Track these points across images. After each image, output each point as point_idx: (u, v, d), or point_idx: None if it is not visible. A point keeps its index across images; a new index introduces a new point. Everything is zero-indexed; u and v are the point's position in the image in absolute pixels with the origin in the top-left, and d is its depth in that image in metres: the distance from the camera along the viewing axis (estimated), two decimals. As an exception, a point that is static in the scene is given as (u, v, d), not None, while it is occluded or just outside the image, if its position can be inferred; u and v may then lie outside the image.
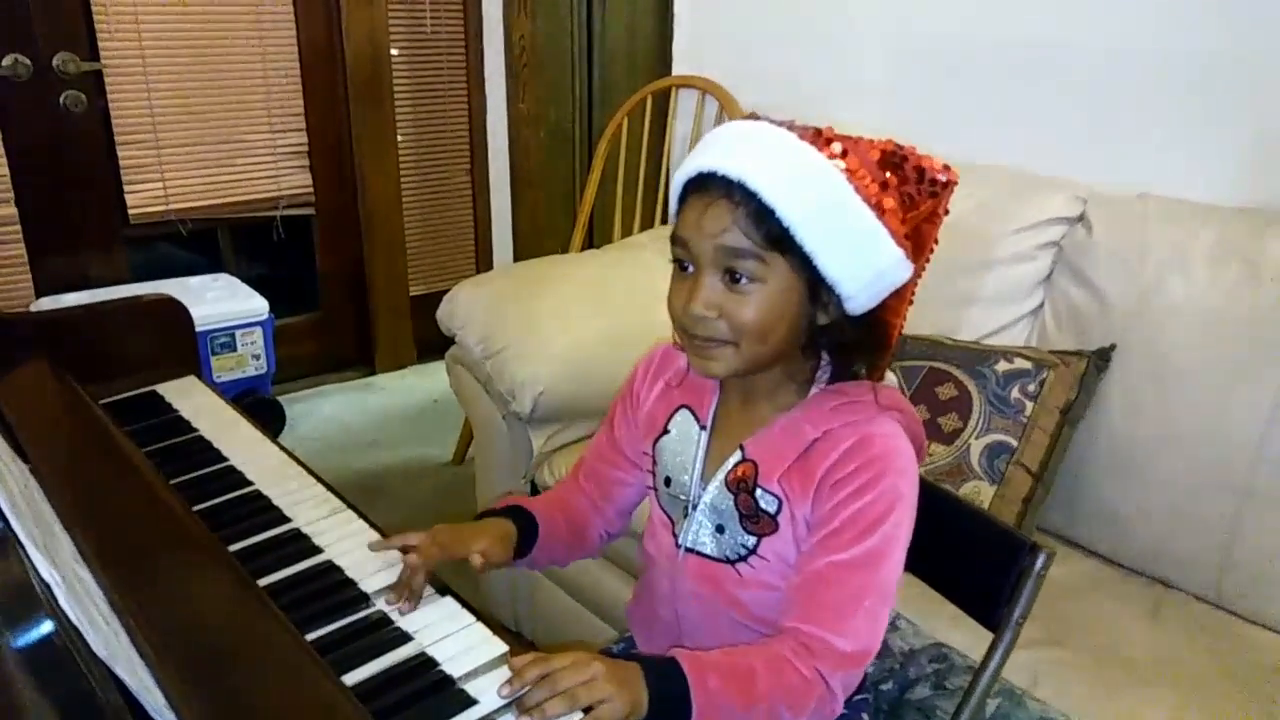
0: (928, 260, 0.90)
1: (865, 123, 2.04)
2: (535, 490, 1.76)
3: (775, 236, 0.81)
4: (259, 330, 2.56)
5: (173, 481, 1.03)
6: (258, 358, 2.58)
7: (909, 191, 0.85)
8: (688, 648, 0.88)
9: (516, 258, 3.15)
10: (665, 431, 1.00)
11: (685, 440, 0.98)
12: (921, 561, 1.06)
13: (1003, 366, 1.50)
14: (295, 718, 0.64)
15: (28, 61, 2.41)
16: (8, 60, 2.38)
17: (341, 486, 2.47)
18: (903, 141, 0.88)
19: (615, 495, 1.07)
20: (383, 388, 3.02)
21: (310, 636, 0.81)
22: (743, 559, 0.92)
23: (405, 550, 0.91)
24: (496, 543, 0.96)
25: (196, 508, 0.99)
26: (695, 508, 0.95)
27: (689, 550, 0.96)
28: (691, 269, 0.85)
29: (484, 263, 3.24)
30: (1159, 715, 1.15)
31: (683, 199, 0.86)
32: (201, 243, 2.85)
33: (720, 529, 0.94)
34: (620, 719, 0.76)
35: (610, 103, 3.05)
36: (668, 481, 0.99)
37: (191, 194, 2.72)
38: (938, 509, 1.05)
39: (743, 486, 0.91)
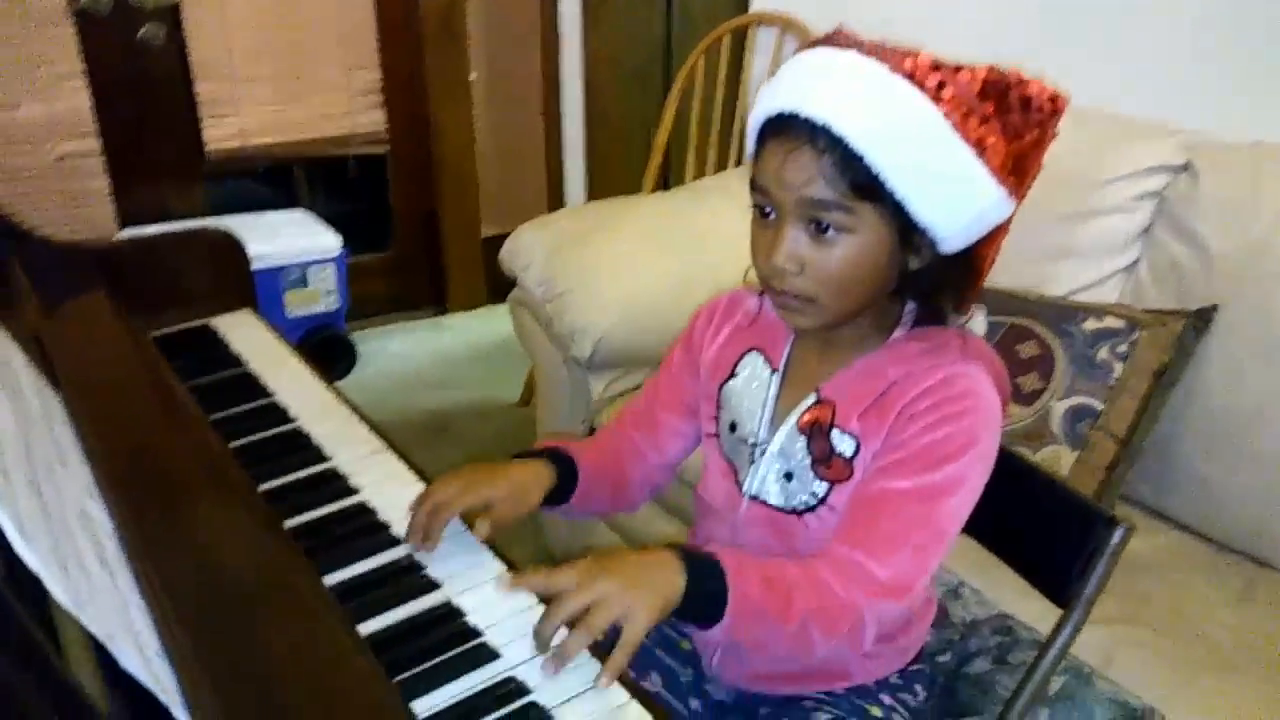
0: (1028, 188, 0.82)
1: (962, 58, 1.90)
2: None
3: (863, 185, 0.75)
4: (331, 267, 2.57)
5: (213, 416, 1.02)
6: (330, 294, 2.59)
7: (1013, 122, 0.77)
8: None
9: (590, 200, 3.09)
10: (733, 375, 0.94)
11: (754, 383, 0.92)
12: (988, 529, 0.99)
13: (1091, 325, 1.40)
14: (302, 665, 0.61)
15: (108, -6, 2.42)
16: (90, -7, 2.40)
17: (408, 424, 2.49)
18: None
19: (666, 446, 1.02)
20: (454, 328, 3.02)
21: (334, 580, 0.78)
22: (811, 509, 0.88)
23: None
24: (519, 488, 0.89)
25: (233, 444, 0.98)
26: (762, 454, 0.90)
27: (753, 499, 0.91)
28: (773, 215, 0.79)
29: (556, 204, 3.19)
30: (1242, 703, 1.07)
31: (761, 140, 0.80)
32: (278, 179, 2.86)
33: (789, 476, 0.89)
34: (648, 628, 0.71)
35: (690, 43, 2.95)
36: (733, 427, 0.94)
37: (267, 130, 2.73)
38: (1009, 473, 0.97)
39: (817, 430, 0.86)
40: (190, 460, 0.84)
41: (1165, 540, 1.37)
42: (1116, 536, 0.88)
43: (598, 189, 3.11)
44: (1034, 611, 1.14)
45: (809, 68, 0.77)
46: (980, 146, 0.75)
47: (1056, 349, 1.40)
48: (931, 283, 0.83)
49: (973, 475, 0.82)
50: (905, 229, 0.78)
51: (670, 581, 0.73)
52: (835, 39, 0.79)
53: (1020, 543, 0.98)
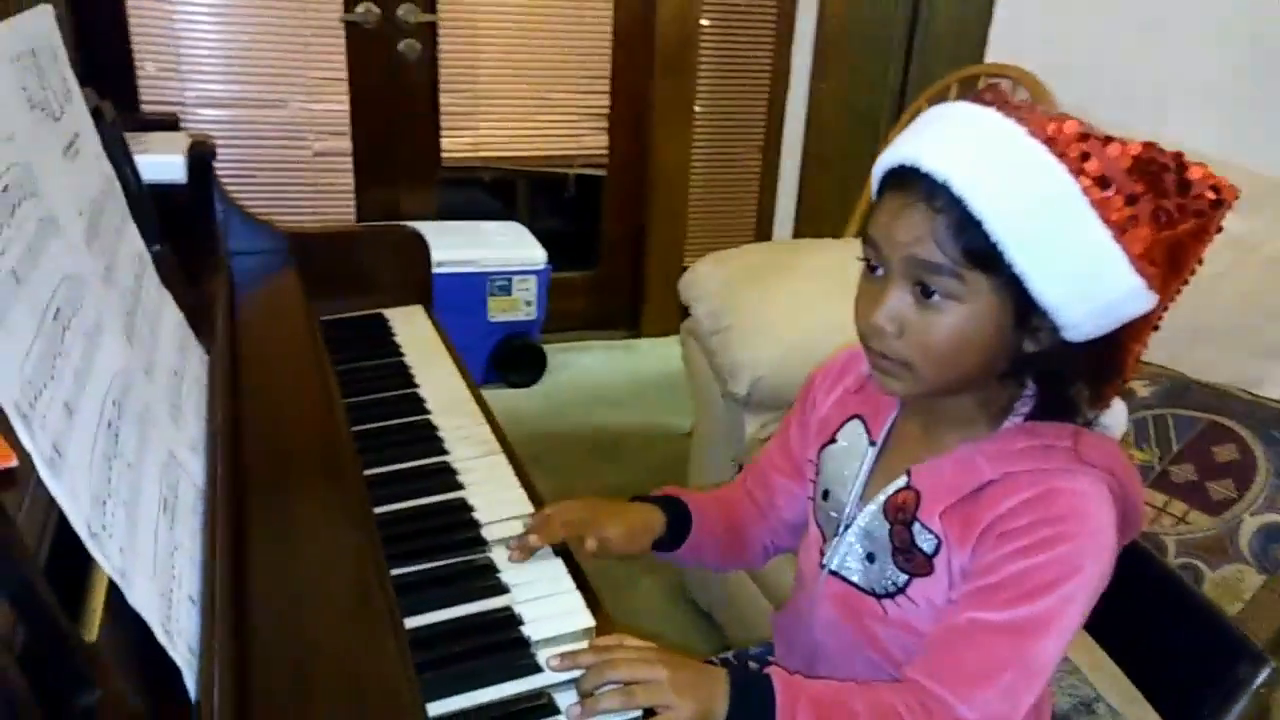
0: (1185, 283, 0.74)
1: (1201, 132, 1.74)
2: (742, 477, 1.71)
3: (979, 253, 0.69)
4: (534, 279, 2.69)
5: (351, 399, 1.09)
6: (529, 304, 2.71)
7: (1166, 208, 0.70)
8: (819, 675, 0.80)
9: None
10: (833, 440, 0.91)
11: (851, 454, 0.88)
12: (1120, 641, 0.90)
13: (1308, 435, 1.23)
14: (327, 643, 0.64)
15: (377, 10, 2.66)
16: (361, 8, 2.65)
17: (580, 438, 2.56)
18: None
19: (780, 505, 1.00)
20: (643, 351, 3.07)
21: (404, 570, 0.81)
22: (889, 595, 0.82)
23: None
24: (633, 529, 0.92)
25: (361, 427, 1.04)
26: (847, 528, 0.86)
27: (833, 573, 0.87)
28: (881, 272, 0.75)
29: (762, 241, 3.18)
30: None
31: (881, 190, 0.76)
32: (501, 190, 3.04)
33: (871, 558, 0.84)
34: None
35: (925, 91, 2.87)
36: (826, 495, 0.90)
37: (498, 144, 2.90)
38: (1152, 583, 0.88)
39: (900, 517, 0.81)
40: (307, 435, 0.91)
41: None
42: (1261, 676, 0.76)
43: (805, 229, 3.07)
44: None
45: (939, 120, 0.73)
46: (1120, 229, 0.68)
47: (1259, 457, 1.24)
48: (1052, 370, 0.75)
49: (1073, 607, 0.73)
50: (1023, 307, 0.71)
51: (710, 700, 0.72)
52: (982, 95, 0.74)
53: (1152, 662, 0.88)
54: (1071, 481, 0.74)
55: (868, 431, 0.87)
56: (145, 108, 2.56)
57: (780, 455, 0.99)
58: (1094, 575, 0.74)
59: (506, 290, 2.68)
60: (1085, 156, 0.68)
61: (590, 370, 2.93)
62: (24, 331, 0.48)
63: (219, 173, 1.35)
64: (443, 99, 2.81)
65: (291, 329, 1.15)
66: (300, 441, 0.89)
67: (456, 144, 2.87)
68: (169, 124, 2.12)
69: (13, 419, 0.43)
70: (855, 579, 0.85)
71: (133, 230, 0.82)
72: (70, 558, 0.49)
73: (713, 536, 0.98)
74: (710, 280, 1.75)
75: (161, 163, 1.11)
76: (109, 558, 0.48)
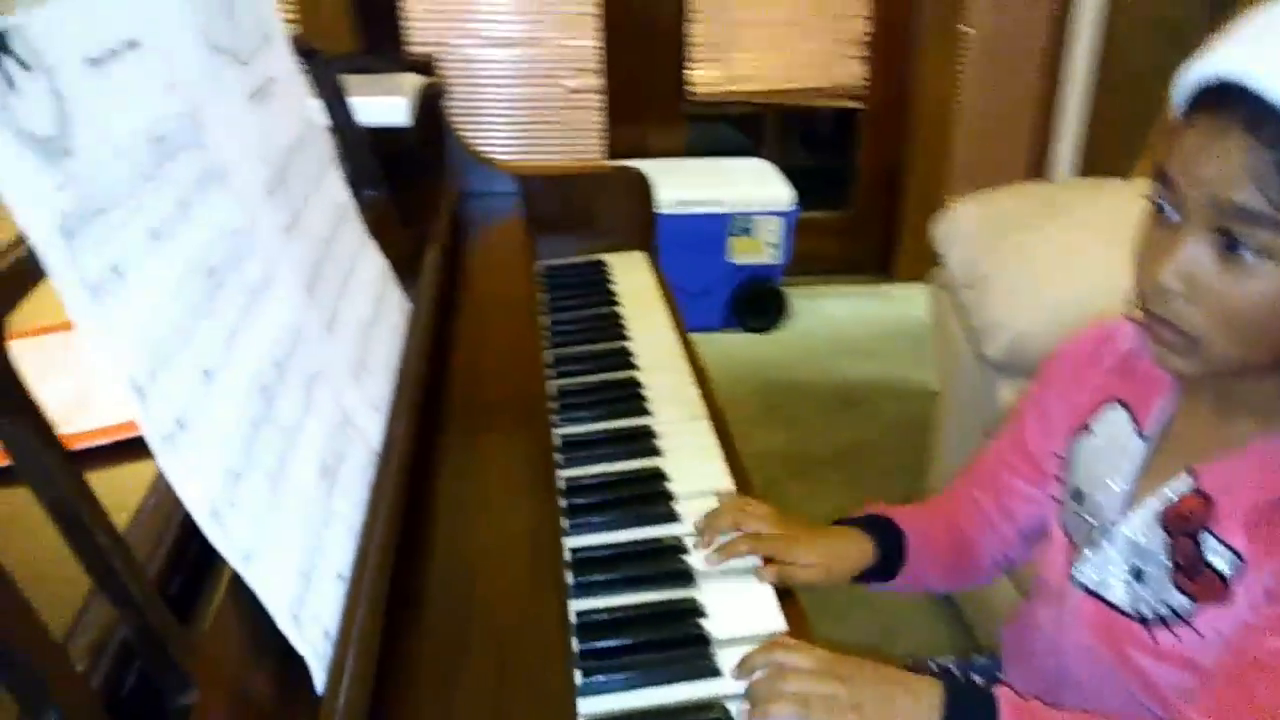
0: None
1: None
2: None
3: None
4: (779, 221, 2.56)
5: (560, 349, 1.05)
6: (773, 246, 2.59)
7: None
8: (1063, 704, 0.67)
9: (1083, 177, 2.72)
10: (1086, 429, 0.75)
11: (1112, 448, 0.73)
12: None
13: None
14: (481, 628, 0.60)
15: (634, -59, 2.61)
16: (607, -61, 2.60)
17: (821, 389, 2.44)
18: None
19: (1015, 510, 0.85)
20: (895, 297, 2.88)
21: (583, 542, 0.76)
22: (1163, 623, 0.67)
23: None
24: (833, 560, 0.80)
25: (565, 382, 1.00)
26: (1107, 538, 0.71)
27: (1087, 590, 0.73)
28: (1175, 218, 0.60)
29: (1037, 178, 2.86)
30: None
31: (1188, 113, 0.60)
32: (750, 126, 2.92)
33: (1138, 575, 0.69)
34: None
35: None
36: (1078, 495, 0.75)
37: (747, 77, 2.79)
38: None
39: (1185, 528, 0.66)
40: (505, 392, 0.87)
41: None
42: None
43: (1092, 169, 2.72)
44: None
45: (1278, 21, 0.55)
46: None
47: None
48: None
49: None
50: None
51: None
52: None
53: None
54: None
55: (1135, 421, 0.72)
56: (413, 48, 2.67)
57: (1014, 452, 0.84)
58: None
59: (749, 232, 2.57)
60: None
61: (836, 317, 2.79)
62: (156, 296, 0.46)
63: (474, 114, 1.35)
64: (693, 30, 2.72)
65: (509, 276, 1.13)
66: (497, 398, 0.86)
67: (705, 77, 2.78)
68: (422, 66, 2.19)
69: (126, 392, 0.41)
70: (1115, 599, 0.70)
71: (334, 177, 0.81)
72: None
73: (935, 560, 0.85)
74: (967, 224, 1.56)
75: (382, 105, 1.11)
76: (232, 538, 0.45)
